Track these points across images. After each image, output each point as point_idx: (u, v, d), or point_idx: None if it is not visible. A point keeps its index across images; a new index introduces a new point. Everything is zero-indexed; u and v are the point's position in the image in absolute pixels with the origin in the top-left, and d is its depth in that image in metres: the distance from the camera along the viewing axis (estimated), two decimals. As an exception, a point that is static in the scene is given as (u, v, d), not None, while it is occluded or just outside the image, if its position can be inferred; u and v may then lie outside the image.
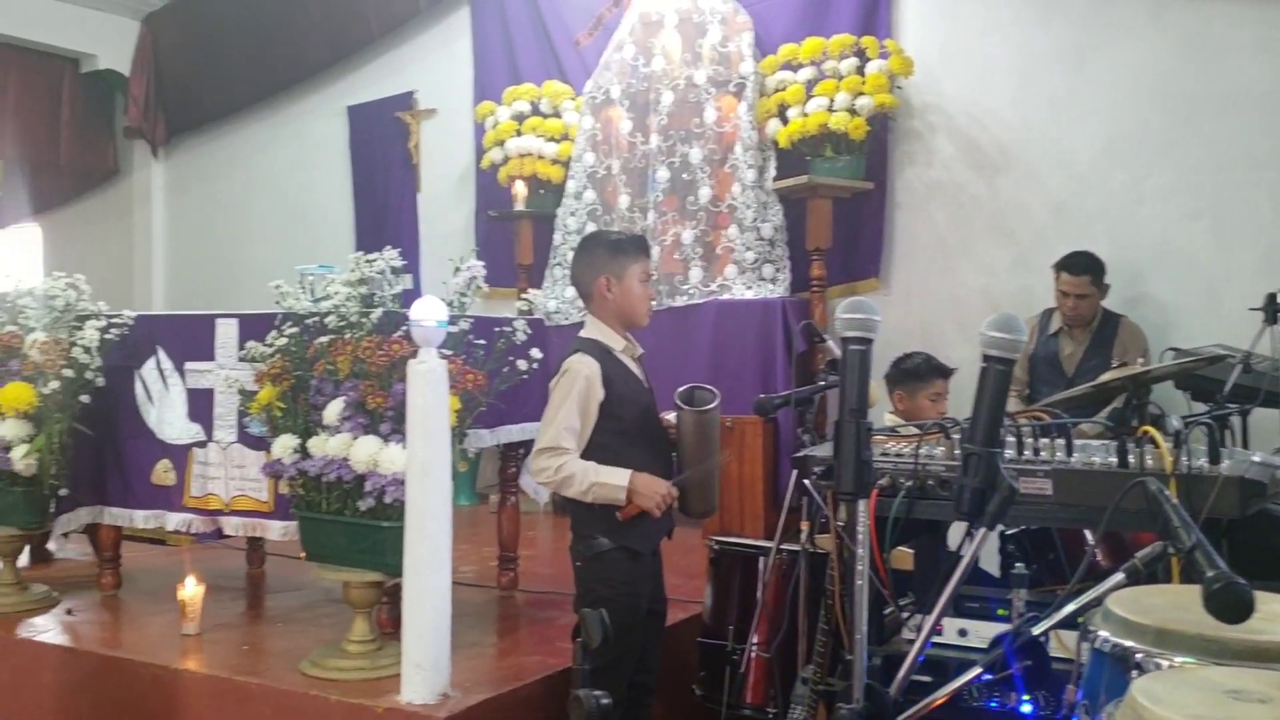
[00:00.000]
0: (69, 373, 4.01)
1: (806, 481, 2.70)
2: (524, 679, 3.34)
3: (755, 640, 3.29)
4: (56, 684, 3.71)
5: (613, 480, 3.02)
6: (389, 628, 3.60)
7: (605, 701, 2.03)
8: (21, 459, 4.00)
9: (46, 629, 3.97)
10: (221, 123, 8.50)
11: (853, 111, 5.37)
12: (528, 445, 4.38)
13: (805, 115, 5.45)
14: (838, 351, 3.19)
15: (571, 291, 6.07)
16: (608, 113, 6.22)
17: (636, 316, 3.24)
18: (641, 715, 3.20)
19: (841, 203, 5.60)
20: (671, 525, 3.32)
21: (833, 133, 5.37)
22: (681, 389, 3.17)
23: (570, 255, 6.14)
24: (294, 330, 3.47)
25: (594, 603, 3.08)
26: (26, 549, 4.71)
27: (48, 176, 9.16)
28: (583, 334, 3.24)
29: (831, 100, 5.40)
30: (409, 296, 3.45)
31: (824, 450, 2.70)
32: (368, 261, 3.45)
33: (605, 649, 2.16)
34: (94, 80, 8.68)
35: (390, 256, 3.47)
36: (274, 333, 3.50)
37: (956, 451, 2.58)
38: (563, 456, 3.02)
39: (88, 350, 4.05)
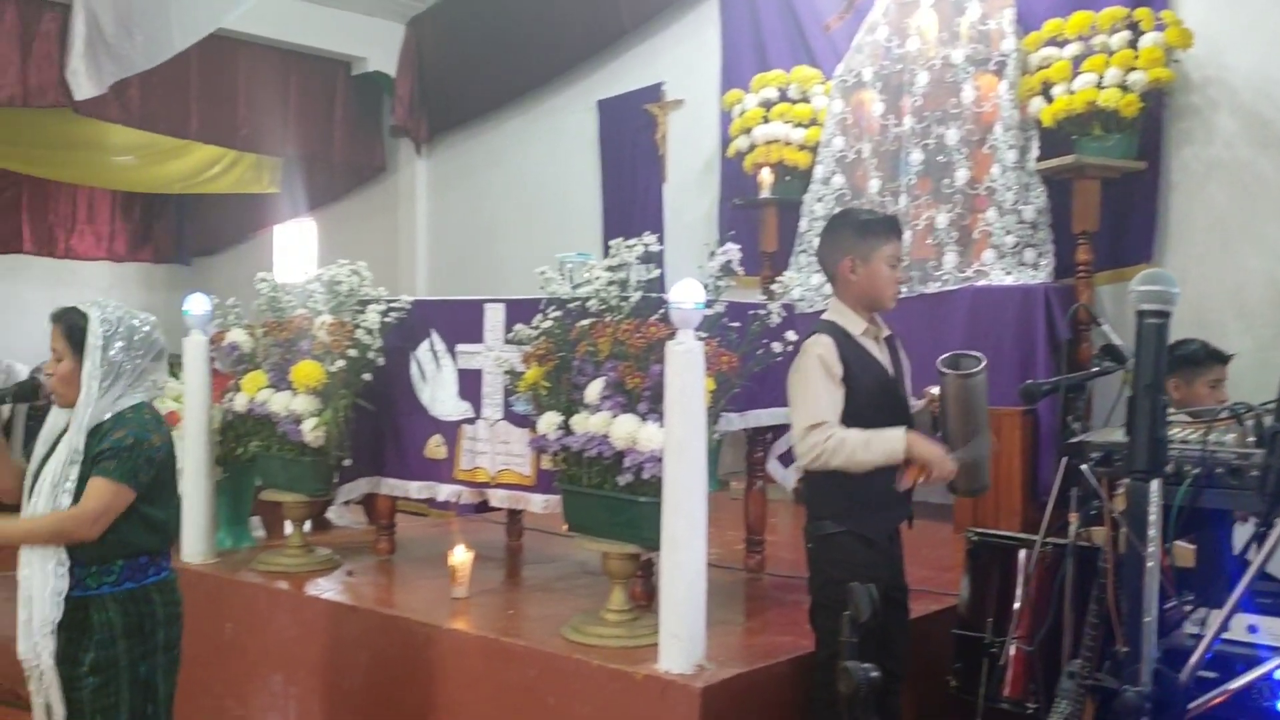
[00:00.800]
0: (353, 352, 4.28)
1: (1083, 468, 2.59)
2: (776, 657, 3.36)
3: (1016, 633, 3.19)
4: (339, 638, 4.01)
5: (888, 433, 2.97)
6: (643, 600, 3.71)
7: (874, 674, 2.02)
8: (311, 431, 4.28)
9: (329, 588, 4.27)
10: (480, 120, 8.87)
11: (1124, 88, 5.07)
12: (776, 430, 4.40)
13: (1072, 93, 5.18)
14: (1114, 337, 3.08)
15: (817, 279, 6.03)
16: (859, 96, 6.13)
17: (882, 300, 3.19)
18: (889, 702, 3.16)
19: (1110, 184, 5.30)
20: (909, 513, 3.26)
21: (1102, 110, 5.09)
22: (946, 355, 3.10)
23: (816, 242, 6.13)
24: (557, 314, 3.61)
25: (825, 584, 3.09)
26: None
27: (322, 174, 9.79)
28: (824, 316, 3.23)
29: (1101, 76, 5.12)
30: (656, 284, 3.56)
31: (1102, 435, 2.59)
32: (627, 247, 3.55)
33: (873, 623, 2.15)
34: (364, 82, 9.19)
35: (650, 241, 3.56)
36: (539, 316, 3.65)
37: (1250, 439, 2.42)
38: (830, 428, 3.00)
39: (369, 332, 4.32)
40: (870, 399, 3.09)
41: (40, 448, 2.97)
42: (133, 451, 2.82)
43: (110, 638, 2.82)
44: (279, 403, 4.37)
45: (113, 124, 8.17)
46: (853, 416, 3.05)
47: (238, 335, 4.69)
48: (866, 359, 3.14)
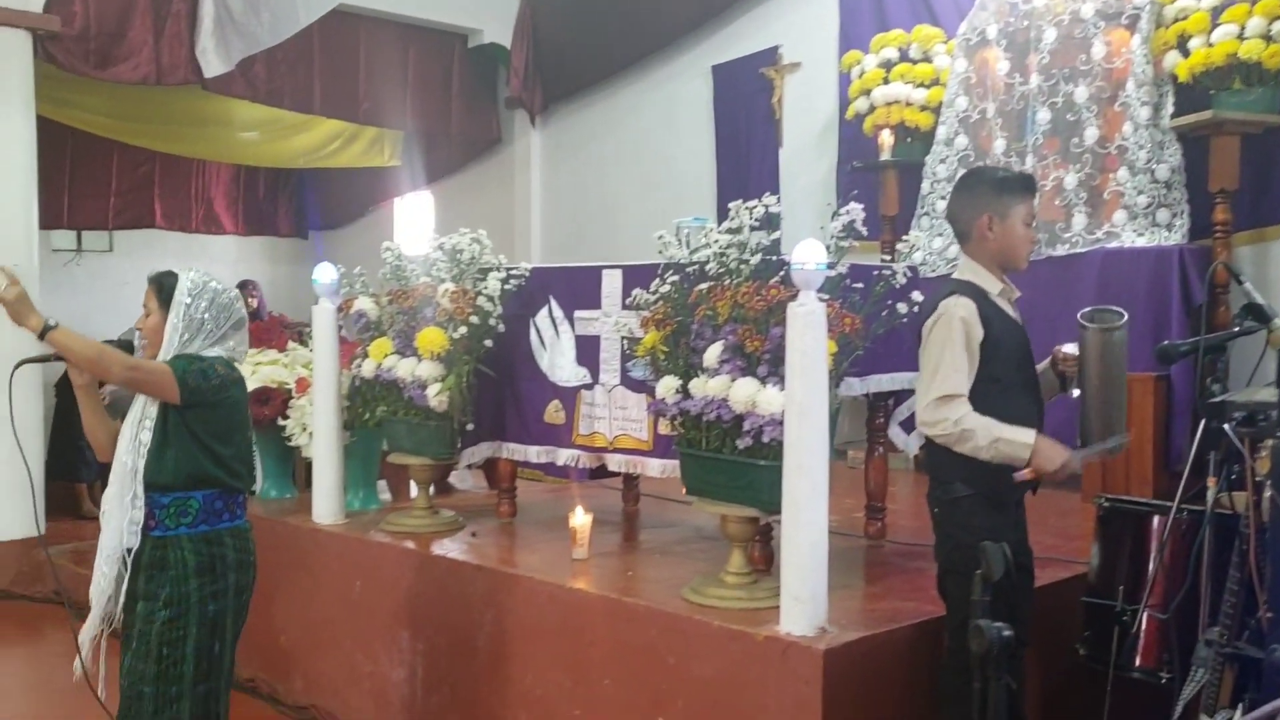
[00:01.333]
0: (475, 319, 4.35)
1: (1226, 427, 2.50)
2: (899, 622, 3.32)
3: (1150, 601, 3.11)
4: (464, 596, 4.10)
5: (1018, 438, 2.92)
6: (761, 564, 3.72)
7: (1006, 633, 1.99)
8: (435, 396, 4.36)
9: (454, 549, 4.36)
10: (593, 89, 8.86)
11: (1268, 38, 4.82)
12: (898, 395, 4.34)
13: (1210, 45, 4.95)
14: (1256, 295, 2.96)
15: (939, 242, 5.92)
16: (983, 54, 5.95)
17: (1017, 259, 3.12)
18: (1014, 668, 3.11)
19: (1251, 140, 5.05)
20: (1037, 480, 3.19)
21: (1243, 63, 4.85)
22: (1086, 310, 3.02)
23: (939, 205, 6.00)
24: (675, 279, 3.61)
25: (953, 550, 3.03)
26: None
27: (440, 147, 9.92)
28: (957, 275, 3.17)
29: (1242, 27, 4.87)
30: (774, 247, 3.53)
31: (1245, 395, 2.50)
32: (747, 209, 3.53)
33: (1005, 583, 2.12)
34: (480, 54, 9.24)
35: (770, 202, 3.53)
36: (657, 280, 3.66)
37: None
38: (962, 406, 2.94)
39: (490, 299, 4.39)
40: (1010, 359, 3.04)
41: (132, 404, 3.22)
42: (193, 360, 3.07)
43: (183, 574, 3.05)
44: (405, 368, 4.47)
45: (239, 100, 8.41)
46: (993, 381, 2.99)
47: (364, 303, 4.80)
48: (1005, 320, 3.08)
